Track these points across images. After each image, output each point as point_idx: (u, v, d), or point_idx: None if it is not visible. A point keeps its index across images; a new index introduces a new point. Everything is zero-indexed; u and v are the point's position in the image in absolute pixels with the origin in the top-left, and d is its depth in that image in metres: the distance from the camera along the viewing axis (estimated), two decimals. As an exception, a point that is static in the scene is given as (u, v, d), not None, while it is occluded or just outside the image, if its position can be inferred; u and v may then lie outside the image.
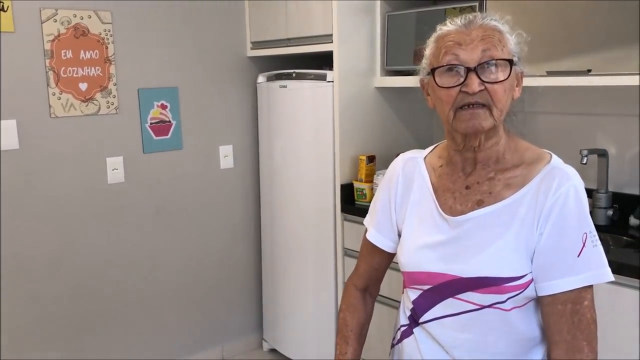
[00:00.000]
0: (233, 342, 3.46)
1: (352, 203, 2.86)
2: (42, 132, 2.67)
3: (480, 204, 1.13)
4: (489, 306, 1.10)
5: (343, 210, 2.87)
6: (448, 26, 1.12)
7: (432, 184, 1.21)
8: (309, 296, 3.09)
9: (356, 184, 2.84)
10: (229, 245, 3.39)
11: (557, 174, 1.09)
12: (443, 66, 1.09)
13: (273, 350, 3.43)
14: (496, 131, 1.13)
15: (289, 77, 3.04)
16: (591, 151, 2.30)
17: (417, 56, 2.69)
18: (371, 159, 2.82)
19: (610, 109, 2.42)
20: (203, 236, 3.27)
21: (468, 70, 1.07)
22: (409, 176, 1.26)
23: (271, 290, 3.35)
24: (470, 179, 1.16)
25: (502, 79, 1.07)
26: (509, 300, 1.09)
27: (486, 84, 1.07)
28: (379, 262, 1.34)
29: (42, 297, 2.76)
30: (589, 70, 2.09)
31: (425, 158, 1.27)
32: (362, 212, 2.77)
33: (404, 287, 1.26)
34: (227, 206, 3.35)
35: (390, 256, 1.33)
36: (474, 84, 1.06)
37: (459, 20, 1.11)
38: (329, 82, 2.81)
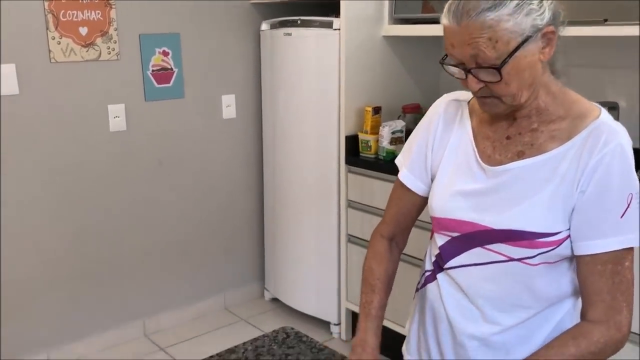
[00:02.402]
0: (235, 291, 3.49)
1: (357, 155, 2.83)
2: (42, 77, 2.62)
3: (520, 155, 1.10)
4: (518, 260, 1.08)
5: (347, 162, 2.84)
6: (445, 16, 1.04)
7: (473, 130, 1.17)
8: (311, 247, 3.10)
9: (361, 136, 2.80)
10: (230, 196, 3.37)
11: (605, 130, 1.04)
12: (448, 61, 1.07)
13: (275, 300, 3.46)
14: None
15: (293, 24, 2.96)
16: (602, 104, 2.25)
17: (426, 6, 2.63)
18: (377, 110, 2.78)
19: (621, 61, 2.36)
20: (205, 186, 3.25)
21: (466, 69, 1.04)
22: (450, 119, 1.21)
23: (272, 241, 3.36)
24: (512, 129, 1.12)
25: (495, 80, 1.02)
26: (538, 256, 1.07)
27: (486, 82, 1.04)
28: (408, 206, 1.30)
29: (43, 244, 2.76)
30: (605, 20, 2.03)
31: (469, 102, 1.22)
32: (367, 164, 2.75)
33: (432, 232, 1.24)
34: (230, 157, 3.32)
35: (421, 201, 1.28)
36: (472, 84, 1.05)
37: (451, 12, 1.02)
38: (335, 29, 2.74)
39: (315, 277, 3.12)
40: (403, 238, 1.36)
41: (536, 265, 1.08)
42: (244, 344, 1.44)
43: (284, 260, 3.29)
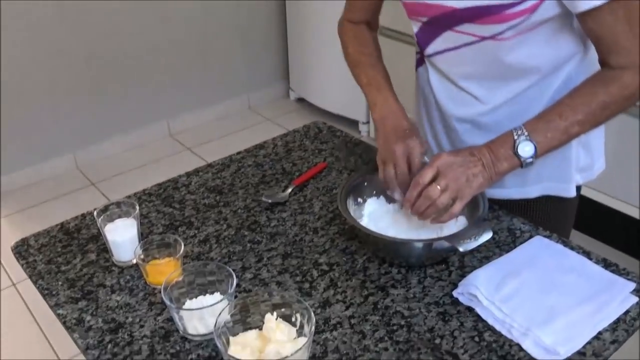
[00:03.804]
0: (259, 92, 3.36)
1: None
2: None
3: None
4: (490, 38, 0.94)
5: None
6: None
7: None
8: (337, 45, 2.87)
9: None
10: (250, -14, 3.09)
11: None
12: None
13: (300, 100, 3.34)
14: None
15: None
16: None
17: None
18: None
19: None
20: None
21: None
22: None
23: (297, 38, 3.12)
24: None
25: None
26: (508, 30, 0.92)
27: None
28: None
29: (58, 43, 2.59)
30: None
31: None
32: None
33: None
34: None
35: None
36: None
37: None
38: None
39: (344, 75, 2.91)
40: (375, 20, 1.20)
41: (510, 38, 0.93)
42: (273, 139, 1.33)
43: (309, 58, 3.09)
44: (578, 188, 1.12)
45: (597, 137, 1.10)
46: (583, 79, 0.93)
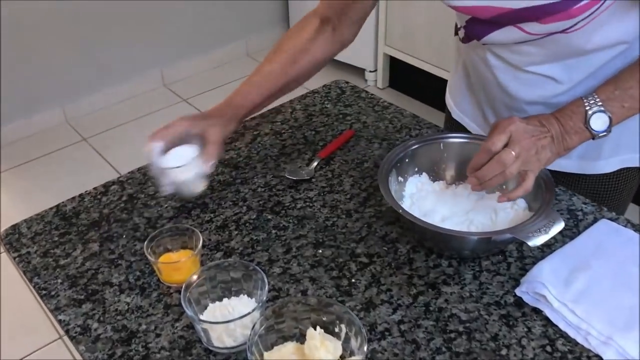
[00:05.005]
0: (258, 36, 3.16)
1: None
2: None
3: None
4: (561, 32, 0.79)
5: None
6: None
7: None
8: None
9: None
10: None
11: None
12: None
13: (301, 45, 3.15)
14: None
15: None
16: None
17: None
18: None
19: None
20: None
21: None
22: None
23: (298, -23, 2.91)
24: None
25: None
26: (579, 23, 0.78)
27: None
28: None
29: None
30: None
31: None
32: None
33: None
34: None
35: None
36: None
37: None
38: None
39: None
40: (344, 23, 1.00)
41: (582, 27, 0.79)
42: (290, 102, 1.18)
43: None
44: None
45: None
46: None
